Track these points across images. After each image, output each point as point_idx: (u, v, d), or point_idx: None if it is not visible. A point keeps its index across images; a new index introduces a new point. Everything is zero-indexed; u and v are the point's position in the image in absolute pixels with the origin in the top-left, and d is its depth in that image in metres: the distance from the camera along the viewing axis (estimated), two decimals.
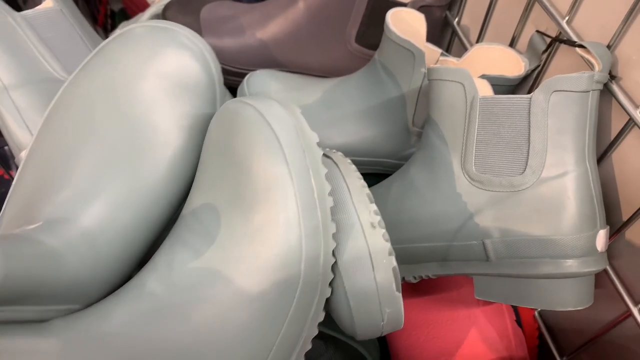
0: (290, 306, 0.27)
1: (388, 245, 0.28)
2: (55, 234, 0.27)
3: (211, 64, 0.34)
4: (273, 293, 0.26)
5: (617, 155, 0.36)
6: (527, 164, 0.33)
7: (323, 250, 0.27)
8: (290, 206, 0.26)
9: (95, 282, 0.28)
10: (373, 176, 0.54)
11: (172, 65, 0.32)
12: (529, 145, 0.33)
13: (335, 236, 0.28)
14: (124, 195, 0.30)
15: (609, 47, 0.34)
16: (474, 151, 0.35)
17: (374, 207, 0.30)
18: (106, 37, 0.79)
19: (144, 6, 0.74)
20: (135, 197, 0.30)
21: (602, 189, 0.38)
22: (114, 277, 0.30)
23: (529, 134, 0.33)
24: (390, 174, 0.54)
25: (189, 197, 0.32)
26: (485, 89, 0.39)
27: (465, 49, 0.52)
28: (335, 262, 0.28)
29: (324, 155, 0.34)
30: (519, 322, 0.49)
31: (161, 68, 0.32)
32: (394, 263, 0.28)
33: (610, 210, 0.38)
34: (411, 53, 0.43)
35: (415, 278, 0.39)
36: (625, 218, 0.36)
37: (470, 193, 0.35)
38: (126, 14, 0.85)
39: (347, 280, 0.28)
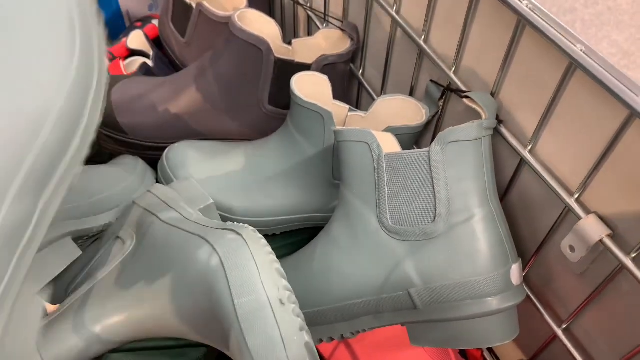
0: None
1: (299, 320, 0.29)
2: None
3: None
4: None
5: (518, 190, 0.39)
6: (436, 212, 0.35)
7: None
8: None
9: None
10: (306, 230, 0.55)
11: None
12: (434, 194, 0.35)
13: (246, 318, 0.29)
14: None
15: (492, 94, 0.37)
16: (387, 205, 0.37)
17: (283, 282, 0.31)
18: None
19: None
20: None
21: (510, 223, 0.41)
22: None
23: (433, 184, 0.35)
24: (322, 227, 0.55)
25: None
26: (390, 143, 0.41)
27: (372, 98, 0.55)
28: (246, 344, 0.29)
29: (234, 231, 0.34)
30: (462, 352, 0.50)
31: None
32: (306, 338, 0.29)
33: (521, 241, 0.40)
34: (319, 115, 0.45)
35: (353, 334, 0.40)
36: (535, 246, 0.39)
37: (390, 245, 0.37)
38: None
39: None
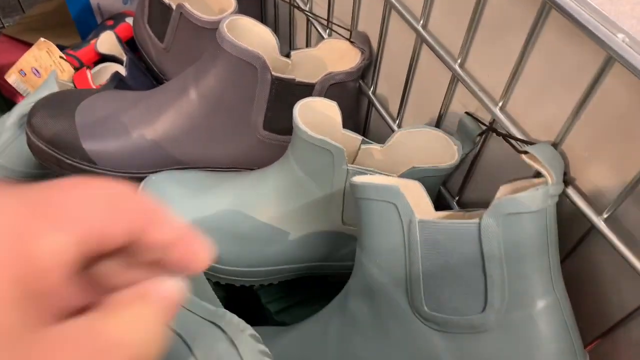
0: None
1: None
2: None
3: None
4: None
5: (580, 259, 0.31)
6: (486, 300, 0.27)
7: None
8: None
9: None
10: (310, 278, 0.46)
11: None
12: (485, 277, 0.27)
13: None
14: None
15: (556, 144, 0.29)
16: (421, 286, 0.29)
17: None
18: None
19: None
20: None
21: (568, 293, 0.33)
22: None
23: (484, 265, 0.27)
24: (328, 275, 0.47)
25: None
26: (417, 195, 0.32)
27: (384, 120, 0.46)
28: None
29: (220, 328, 0.26)
30: None
31: None
32: None
33: (580, 318, 0.32)
34: (328, 151, 0.37)
35: None
36: (601, 327, 0.31)
37: (426, 337, 0.29)
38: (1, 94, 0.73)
39: None
